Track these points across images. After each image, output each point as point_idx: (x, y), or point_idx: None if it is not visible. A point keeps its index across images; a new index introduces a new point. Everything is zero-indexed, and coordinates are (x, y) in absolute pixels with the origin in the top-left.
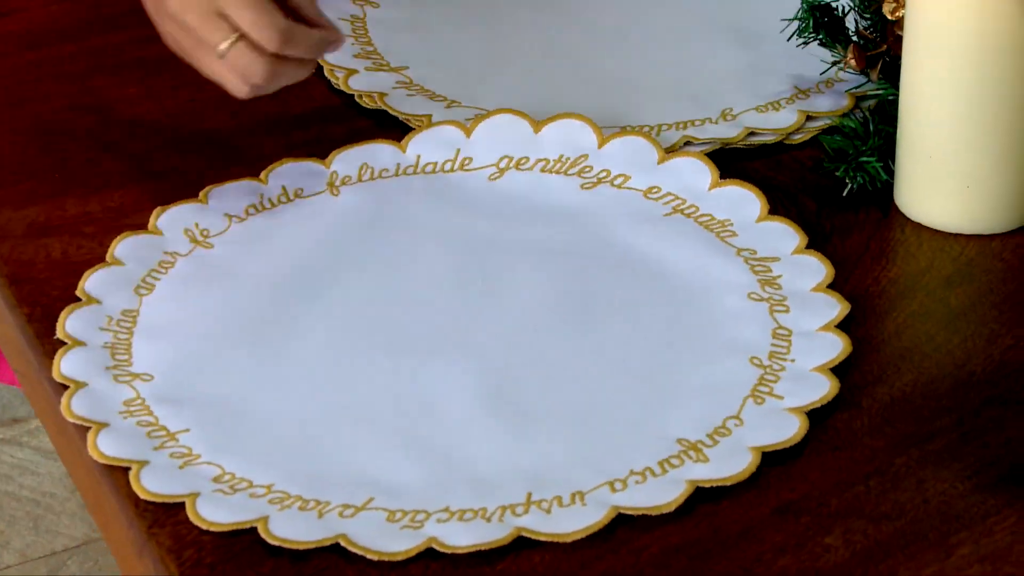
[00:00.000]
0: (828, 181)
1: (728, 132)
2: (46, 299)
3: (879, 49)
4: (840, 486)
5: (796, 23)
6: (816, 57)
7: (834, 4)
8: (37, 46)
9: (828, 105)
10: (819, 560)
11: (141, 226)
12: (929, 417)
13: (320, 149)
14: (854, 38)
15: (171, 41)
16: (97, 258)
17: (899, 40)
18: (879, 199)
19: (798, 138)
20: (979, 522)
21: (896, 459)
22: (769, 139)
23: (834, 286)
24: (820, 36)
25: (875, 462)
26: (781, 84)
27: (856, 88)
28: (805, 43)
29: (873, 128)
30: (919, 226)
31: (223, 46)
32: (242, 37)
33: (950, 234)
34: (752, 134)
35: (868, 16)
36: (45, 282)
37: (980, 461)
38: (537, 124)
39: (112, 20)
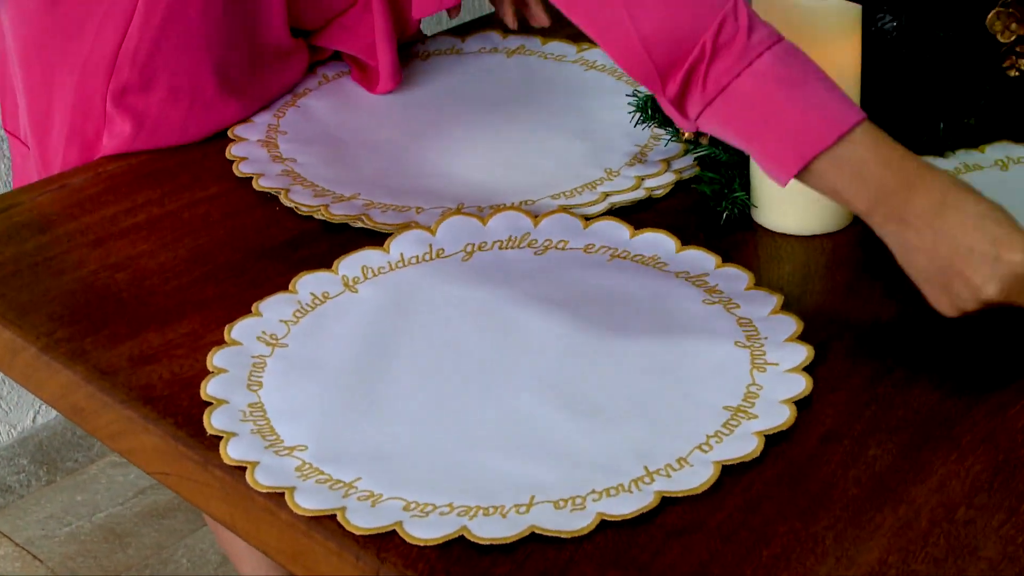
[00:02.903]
0: (698, 218)
1: (590, 197)
2: (179, 409)
3: None
4: (854, 414)
5: (638, 113)
6: (644, 137)
7: None
8: (45, 229)
9: (646, 171)
10: (874, 466)
11: (218, 342)
12: (881, 356)
13: (317, 262)
14: None
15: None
16: (199, 371)
17: None
18: (739, 223)
19: (660, 192)
20: (961, 419)
21: (878, 388)
22: (629, 199)
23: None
24: (656, 119)
25: (866, 393)
26: (619, 160)
27: (670, 157)
28: (648, 126)
29: (734, 173)
30: (783, 235)
31: None
32: None
33: (806, 236)
34: (607, 196)
35: None
36: (170, 397)
37: (933, 379)
38: (483, 219)
39: (94, 199)
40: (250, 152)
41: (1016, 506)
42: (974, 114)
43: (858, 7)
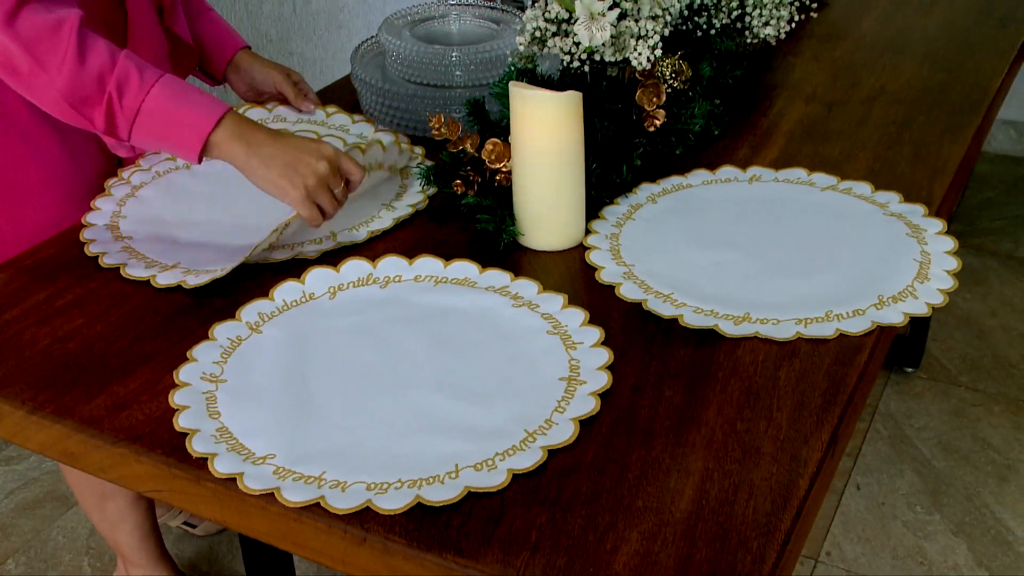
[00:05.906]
0: (483, 247)
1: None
2: (163, 441)
3: (476, 179)
4: (644, 370)
5: (423, 177)
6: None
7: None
8: None
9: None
10: (673, 402)
11: (171, 386)
12: (643, 326)
13: (221, 315)
14: (458, 179)
15: (294, 176)
16: (166, 410)
17: (483, 174)
18: (512, 247)
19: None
20: (712, 362)
21: (653, 350)
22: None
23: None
24: (439, 182)
25: (645, 355)
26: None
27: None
28: (434, 186)
29: (503, 213)
30: (543, 252)
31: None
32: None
33: (559, 251)
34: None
35: (467, 165)
36: (152, 433)
37: (681, 336)
38: (336, 268)
39: (20, 291)
40: (97, 235)
41: (769, 415)
42: (639, 157)
43: (579, 96)
